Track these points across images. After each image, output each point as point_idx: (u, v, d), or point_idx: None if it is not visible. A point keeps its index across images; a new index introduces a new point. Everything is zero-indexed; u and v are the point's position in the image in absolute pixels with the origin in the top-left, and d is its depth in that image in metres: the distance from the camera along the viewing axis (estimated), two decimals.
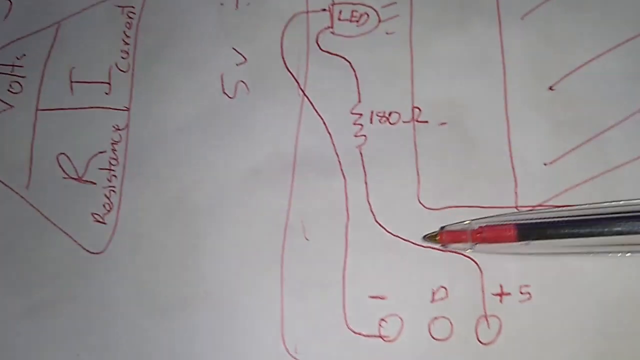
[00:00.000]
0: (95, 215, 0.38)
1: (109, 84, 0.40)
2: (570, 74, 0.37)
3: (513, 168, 0.36)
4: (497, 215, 0.34)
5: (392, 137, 0.37)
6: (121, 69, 0.40)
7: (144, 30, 0.41)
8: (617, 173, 0.35)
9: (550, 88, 0.37)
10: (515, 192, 0.35)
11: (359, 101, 0.38)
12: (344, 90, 0.38)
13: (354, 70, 0.38)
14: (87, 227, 0.38)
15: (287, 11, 0.40)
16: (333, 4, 0.40)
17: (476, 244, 0.33)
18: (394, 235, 0.36)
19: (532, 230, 0.33)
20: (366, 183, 0.37)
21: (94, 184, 0.39)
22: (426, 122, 0.37)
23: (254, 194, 0.37)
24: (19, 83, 0.41)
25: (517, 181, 0.36)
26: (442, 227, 0.35)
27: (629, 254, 0.33)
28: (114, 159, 0.39)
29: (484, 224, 0.33)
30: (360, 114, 0.38)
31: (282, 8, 0.40)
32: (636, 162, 0.35)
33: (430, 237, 0.35)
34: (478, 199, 0.36)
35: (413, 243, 0.35)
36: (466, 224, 0.34)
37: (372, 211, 0.36)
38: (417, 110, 0.37)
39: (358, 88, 0.38)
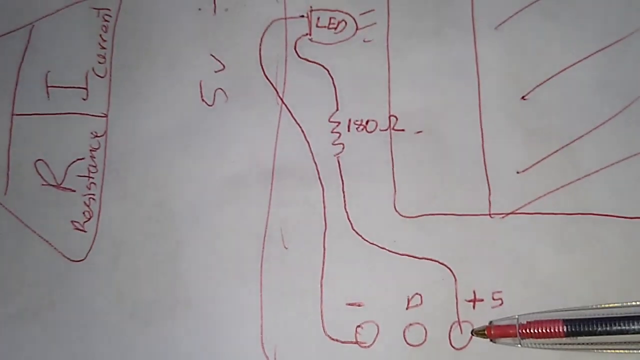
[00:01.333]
0: (75, 223, 0.39)
1: (86, 89, 0.40)
2: (542, 84, 0.38)
3: (487, 176, 0.37)
4: (544, 312, 0.34)
5: (369, 146, 0.38)
6: (98, 74, 0.41)
7: (120, 34, 0.41)
8: (587, 181, 0.36)
9: (523, 98, 0.38)
10: (489, 200, 0.37)
11: (337, 109, 0.39)
12: (322, 98, 0.39)
13: (332, 78, 0.39)
14: (67, 234, 0.39)
15: (265, 17, 0.40)
16: (311, 11, 0.40)
17: (524, 338, 0.33)
18: (371, 244, 0.37)
19: (580, 326, 0.33)
20: (343, 192, 0.38)
21: (74, 191, 0.39)
22: (402, 130, 0.38)
23: (234, 202, 0.38)
24: None
25: (491, 189, 0.37)
26: (491, 322, 0.35)
27: None
28: (93, 166, 0.39)
29: (532, 320, 0.34)
30: (338, 122, 0.39)
31: (260, 14, 0.40)
32: (605, 170, 0.36)
33: (478, 332, 0.35)
34: (453, 207, 0.37)
35: (389, 251, 0.37)
36: (514, 318, 0.34)
37: (349, 219, 0.37)
38: (393, 118, 0.38)
39: (336, 96, 0.39)
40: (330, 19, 0.40)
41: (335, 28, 0.40)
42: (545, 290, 0.35)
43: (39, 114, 0.40)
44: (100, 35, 0.41)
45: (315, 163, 0.38)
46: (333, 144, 0.38)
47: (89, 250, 0.38)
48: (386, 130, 0.38)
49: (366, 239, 0.37)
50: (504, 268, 0.36)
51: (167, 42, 0.41)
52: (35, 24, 0.42)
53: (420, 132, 0.38)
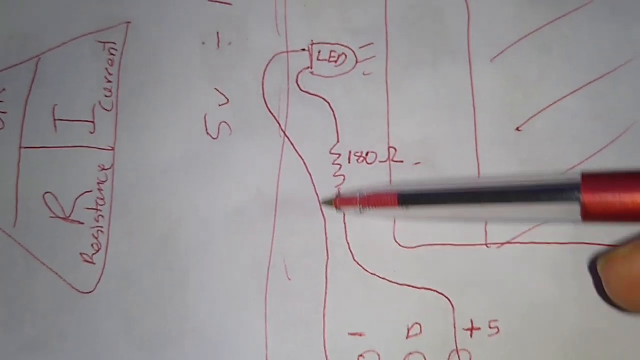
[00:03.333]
0: (84, 255, 0.40)
1: (93, 122, 0.41)
2: (536, 115, 0.39)
3: None
4: (390, 185, 0.39)
5: (369, 177, 0.39)
6: (105, 107, 0.41)
7: (126, 68, 0.42)
8: None
9: (518, 129, 0.39)
10: (485, 230, 0.38)
11: (338, 141, 0.40)
12: (324, 131, 0.40)
13: (333, 111, 0.40)
14: (76, 266, 0.40)
15: (268, 51, 0.41)
16: (312, 44, 0.41)
17: (364, 208, 0.37)
18: (372, 274, 0.38)
19: (410, 198, 0.36)
20: (345, 223, 0.39)
21: (82, 223, 0.40)
22: (401, 161, 0.39)
23: (239, 234, 0.39)
24: (0, 119, 0.42)
25: None
26: (338, 194, 0.39)
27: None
28: (101, 198, 0.40)
29: (372, 192, 0.37)
30: (339, 154, 0.40)
31: (262, 48, 0.41)
32: None
33: (326, 202, 0.39)
34: (450, 237, 0.38)
35: (389, 281, 0.38)
36: (357, 190, 0.38)
37: (350, 250, 0.38)
38: (393, 150, 0.39)
39: (337, 128, 0.40)
40: (330, 52, 0.41)
41: (336, 61, 0.41)
42: (540, 318, 0.37)
43: (46, 147, 0.41)
44: (107, 69, 0.42)
45: (317, 195, 0.39)
46: (334, 176, 0.39)
47: (98, 282, 0.40)
48: (386, 161, 0.39)
49: (367, 269, 0.38)
50: (500, 297, 0.37)
51: (173, 76, 0.41)
52: (42, 56, 0.42)
53: (419, 163, 0.39)
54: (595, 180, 0.33)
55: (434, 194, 0.36)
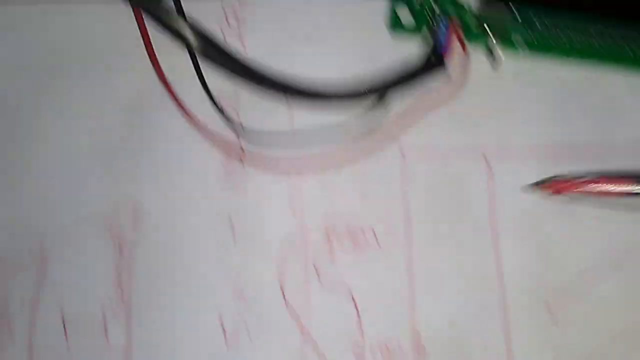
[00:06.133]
0: None
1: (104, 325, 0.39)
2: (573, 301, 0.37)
3: None
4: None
5: None
6: (115, 306, 0.39)
7: (136, 259, 0.39)
8: None
9: (553, 314, 0.37)
10: None
11: (361, 336, 0.38)
12: (345, 324, 0.38)
13: (354, 300, 0.38)
14: None
15: (284, 237, 0.39)
16: (328, 226, 0.39)
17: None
18: None
19: None
20: None
21: None
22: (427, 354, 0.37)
23: None
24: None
25: None
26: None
27: None
28: None
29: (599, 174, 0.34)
30: (362, 351, 0.38)
31: (278, 234, 0.39)
32: None
33: (541, 184, 0.36)
34: None
35: None
36: (576, 172, 0.35)
37: None
38: (417, 341, 0.38)
39: (359, 320, 0.38)
40: (349, 232, 0.39)
41: (355, 242, 0.39)
42: None
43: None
44: (116, 258, 0.39)
45: None
46: None
47: None
48: (410, 354, 0.38)
49: None
50: None
51: (186, 271, 0.39)
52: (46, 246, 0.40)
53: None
54: None
55: None
